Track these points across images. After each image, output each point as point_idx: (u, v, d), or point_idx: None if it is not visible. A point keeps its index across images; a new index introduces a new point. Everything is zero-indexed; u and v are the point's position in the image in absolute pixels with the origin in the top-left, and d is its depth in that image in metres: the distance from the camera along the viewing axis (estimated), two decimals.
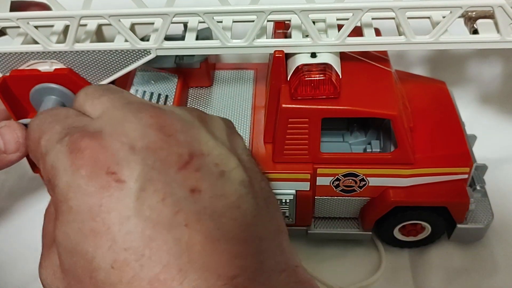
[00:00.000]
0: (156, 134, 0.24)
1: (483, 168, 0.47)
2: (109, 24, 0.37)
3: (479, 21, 0.38)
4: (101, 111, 0.25)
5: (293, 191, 0.43)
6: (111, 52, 0.38)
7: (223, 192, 0.23)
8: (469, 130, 0.47)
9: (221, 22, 0.40)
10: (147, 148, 0.23)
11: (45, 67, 0.39)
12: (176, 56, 0.46)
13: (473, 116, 0.56)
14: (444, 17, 0.38)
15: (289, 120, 0.40)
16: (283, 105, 0.39)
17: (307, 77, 0.38)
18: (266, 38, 0.39)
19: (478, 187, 0.47)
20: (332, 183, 0.43)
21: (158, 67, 0.46)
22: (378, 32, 0.42)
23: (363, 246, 0.49)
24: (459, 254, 0.48)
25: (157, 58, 0.41)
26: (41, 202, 0.52)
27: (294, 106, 0.39)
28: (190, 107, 0.29)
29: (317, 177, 0.43)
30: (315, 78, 0.38)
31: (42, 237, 0.27)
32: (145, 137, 0.23)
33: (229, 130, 0.28)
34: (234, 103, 0.47)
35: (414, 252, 0.49)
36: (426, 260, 0.48)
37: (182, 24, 0.43)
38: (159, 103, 0.43)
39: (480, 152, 0.47)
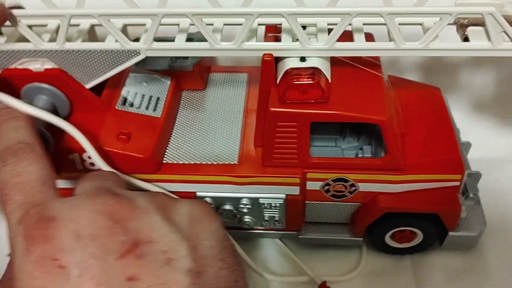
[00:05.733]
0: (103, 221, 0.26)
1: (476, 176, 0.47)
2: (101, 24, 0.37)
3: (470, 28, 0.38)
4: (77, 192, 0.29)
5: (283, 195, 0.43)
6: (101, 52, 0.39)
7: (164, 281, 0.25)
8: (463, 136, 0.47)
9: (212, 24, 0.40)
10: (90, 235, 0.25)
11: (37, 65, 0.39)
12: (170, 58, 0.46)
13: (467, 122, 0.55)
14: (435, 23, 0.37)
15: (278, 124, 0.40)
16: (272, 109, 0.39)
17: (295, 81, 0.38)
18: (256, 41, 0.39)
19: (471, 195, 0.46)
20: (322, 188, 0.43)
21: (152, 69, 0.46)
22: (371, 38, 0.42)
23: (355, 248, 0.49)
24: (461, 256, 0.48)
25: (151, 60, 0.41)
26: None
27: (282, 110, 0.39)
28: (157, 193, 0.31)
29: (307, 182, 0.43)
30: (303, 82, 0.38)
31: None
32: (92, 224, 0.25)
33: (195, 216, 0.29)
34: (227, 106, 0.47)
35: (415, 253, 0.49)
36: (427, 262, 0.48)
37: (177, 27, 0.43)
38: (151, 105, 0.43)
39: (473, 158, 0.46)
